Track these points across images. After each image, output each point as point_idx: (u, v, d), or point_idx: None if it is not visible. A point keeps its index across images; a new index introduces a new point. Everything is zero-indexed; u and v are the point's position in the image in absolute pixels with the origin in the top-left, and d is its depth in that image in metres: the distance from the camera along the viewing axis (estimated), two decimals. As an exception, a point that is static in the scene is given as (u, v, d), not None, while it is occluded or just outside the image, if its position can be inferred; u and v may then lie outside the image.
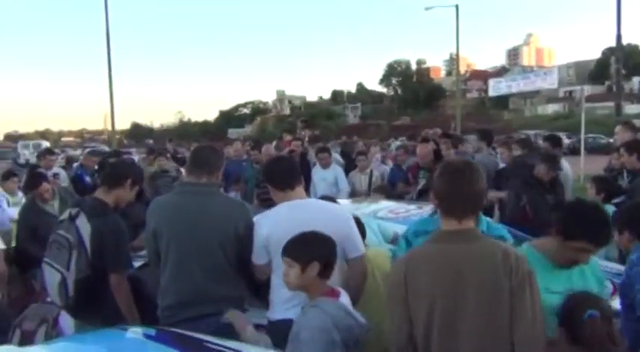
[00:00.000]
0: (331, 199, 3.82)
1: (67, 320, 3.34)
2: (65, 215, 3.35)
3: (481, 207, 2.07)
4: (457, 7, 29.28)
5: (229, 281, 3.02)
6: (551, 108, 62.18)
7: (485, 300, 1.96)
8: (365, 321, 2.49)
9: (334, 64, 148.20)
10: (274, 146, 9.19)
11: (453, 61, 63.58)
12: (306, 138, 9.64)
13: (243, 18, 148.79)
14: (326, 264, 2.54)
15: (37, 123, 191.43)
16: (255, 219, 3.10)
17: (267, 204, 5.33)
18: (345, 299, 2.56)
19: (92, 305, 3.22)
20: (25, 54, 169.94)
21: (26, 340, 3.15)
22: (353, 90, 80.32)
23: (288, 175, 3.04)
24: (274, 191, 3.05)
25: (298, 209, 2.94)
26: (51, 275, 3.25)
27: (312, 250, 2.52)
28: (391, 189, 6.94)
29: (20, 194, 6.07)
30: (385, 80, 75.33)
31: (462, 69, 63.11)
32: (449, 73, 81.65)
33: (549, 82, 21.26)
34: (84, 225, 3.21)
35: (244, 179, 7.89)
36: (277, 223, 2.88)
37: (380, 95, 78.19)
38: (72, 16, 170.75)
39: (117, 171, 3.54)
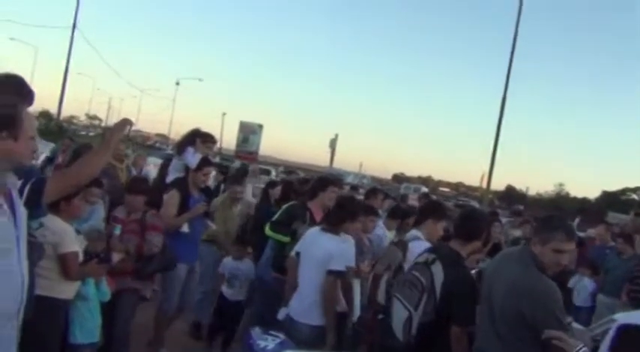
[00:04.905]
0: None
1: None
2: (422, 258, 3.58)
3: None
4: None
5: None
6: None
7: None
8: None
9: None
10: None
11: None
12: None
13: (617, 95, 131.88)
14: None
15: (422, 169, 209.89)
16: (624, 315, 2.87)
17: (637, 303, 4.69)
18: None
19: (428, 348, 3.34)
20: (423, 99, 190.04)
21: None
22: None
23: None
24: None
25: None
26: (399, 311, 3.51)
27: None
28: None
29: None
30: None
31: None
32: None
33: None
34: (438, 272, 3.37)
35: (604, 269, 7.16)
36: None
37: None
38: (474, 77, 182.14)
39: (472, 225, 3.62)
